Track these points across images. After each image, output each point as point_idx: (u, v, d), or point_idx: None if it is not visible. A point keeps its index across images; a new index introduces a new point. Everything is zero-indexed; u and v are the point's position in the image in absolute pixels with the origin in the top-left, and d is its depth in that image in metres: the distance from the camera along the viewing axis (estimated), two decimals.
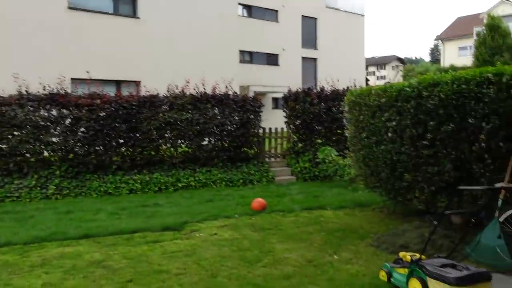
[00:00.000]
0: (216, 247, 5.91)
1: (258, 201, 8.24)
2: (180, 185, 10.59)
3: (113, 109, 10.40)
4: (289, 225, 7.03)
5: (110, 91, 11.55)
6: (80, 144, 10.25)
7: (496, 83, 5.23)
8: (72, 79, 13.40)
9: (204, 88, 11.66)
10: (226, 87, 11.99)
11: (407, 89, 6.28)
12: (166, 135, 10.94)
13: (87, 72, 12.97)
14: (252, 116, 11.85)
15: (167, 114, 10.80)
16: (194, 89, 11.55)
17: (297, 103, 12.20)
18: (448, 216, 6.59)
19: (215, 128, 11.28)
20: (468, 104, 5.49)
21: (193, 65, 15.64)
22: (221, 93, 11.65)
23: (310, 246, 5.86)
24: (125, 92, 11.81)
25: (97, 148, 10.41)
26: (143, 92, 11.67)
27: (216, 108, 11.42)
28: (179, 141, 11.18)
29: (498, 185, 4.29)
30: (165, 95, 11.15)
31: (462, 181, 5.81)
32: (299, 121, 12.32)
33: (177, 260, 5.38)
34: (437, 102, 5.80)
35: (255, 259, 5.38)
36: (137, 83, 15.53)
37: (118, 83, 15.65)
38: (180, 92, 11.24)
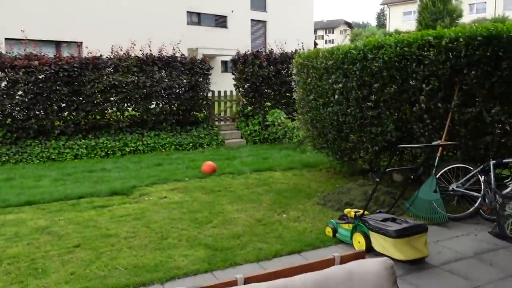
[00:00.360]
0: (166, 210, 5.90)
1: (208, 164, 8.25)
2: (127, 149, 10.36)
3: (52, 71, 9.85)
4: (239, 187, 7.11)
5: (49, 52, 10.91)
6: (19, 108, 9.70)
7: (436, 46, 5.43)
8: (5, 39, 12.51)
9: (150, 50, 11.28)
10: (174, 49, 11.66)
11: (353, 51, 6.40)
12: (112, 98, 10.56)
13: (22, 31, 12.13)
14: (201, 79, 11.66)
15: (111, 76, 10.39)
16: (140, 50, 11.14)
17: (246, 66, 12.11)
18: (390, 174, 6.93)
19: (162, 91, 11.01)
20: (410, 67, 5.69)
21: (138, 26, 15.04)
22: (168, 55, 11.32)
23: (259, 206, 5.98)
24: (66, 53, 11.19)
25: (37, 112, 9.89)
26: (85, 54, 11.11)
27: (163, 71, 11.12)
28: (126, 104, 10.84)
29: (435, 142, 4.54)
30: (109, 57, 10.68)
31: (404, 140, 6.09)
32: (248, 84, 12.27)
33: (126, 224, 5.33)
34: (381, 65, 5.96)
35: (205, 220, 5.43)
36: (78, 44, 14.76)
37: (57, 44, 14.81)
38: (125, 54, 10.81)
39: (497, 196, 4.97)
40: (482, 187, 5.19)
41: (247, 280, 1.93)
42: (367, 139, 6.49)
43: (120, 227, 5.22)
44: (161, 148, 10.73)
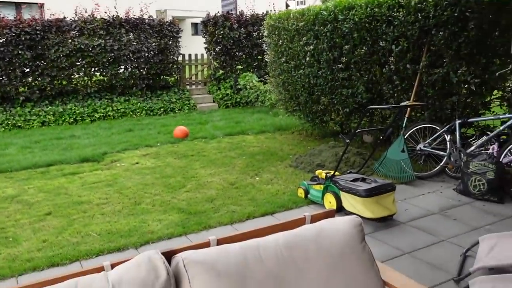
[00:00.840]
0: (138, 175, 5.87)
1: (180, 129, 8.18)
2: (97, 115, 10.15)
3: (13, 34, 9.41)
4: (211, 151, 7.12)
5: (9, 14, 10.37)
6: None
7: (405, 6, 5.43)
8: None
9: (117, 12, 10.87)
10: (141, 10, 11.27)
11: (324, 12, 6.34)
12: (78, 63, 10.22)
13: None
14: (170, 42, 11.38)
15: (77, 40, 10.02)
16: (105, 12, 10.72)
17: (216, 29, 11.86)
18: (360, 136, 7.06)
19: (131, 55, 10.72)
20: (380, 28, 5.69)
21: None
22: (135, 17, 10.95)
23: (232, 170, 6.02)
24: (27, 15, 10.66)
25: None
26: (47, 16, 10.62)
27: (131, 34, 10.78)
28: (93, 69, 10.52)
29: (403, 103, 4.62)
30: (73, 19, 10.24)
31: (374, 102, 6.18)
32: (219, 47, 12.06)
33: (98, 190, 5.29)
34: (351, 26, 5.94)
35: (178, 185, 5.44)
36: (40, 6, 14.06)
37: (17, 5, 14.06)
38: (89, 16, 10.38)
39: (462, 154, 5.15)
40: (448, 146, 5.35)
41: (219, 241, 1.96)
42: (338, 101, 6.54)
43: (92, 194, 5.18)
44: (131, 113, 10.55)
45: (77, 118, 9.92)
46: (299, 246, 1.90)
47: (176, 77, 12.02)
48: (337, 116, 6.82)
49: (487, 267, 2.99)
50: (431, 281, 3.10)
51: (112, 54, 10.41)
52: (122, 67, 10.77)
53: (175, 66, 11.71)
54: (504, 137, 5.27)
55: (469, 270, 3.08)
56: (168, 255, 1.83)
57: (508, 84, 5.80)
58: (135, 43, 10.73)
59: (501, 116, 5.18)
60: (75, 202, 4.92)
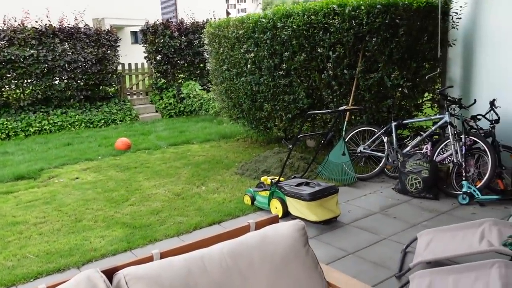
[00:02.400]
0: (79, 191, 5.64)
1: (122, 141, 7.96)
2: (32, 130, 9.65)
3: None
4: (155, 162, 6.98)
5: None
6: None
7: (340, 14, 5.63)
8: None
9: (50, 21, 10.42)
10: (76, 19, 10.88)
11: (263, 20, 6.43)
12: (8, 74, 9.67)
13: None
14: (109, 51, 11.06)
15: (6, 50, 9.48)
16: (36, 21, 10.24)
17: (156, 37, 11.67)
18: (304, 141, 7.21)
19: (66, 65, 10.29)
20: (317, 34, 5.86)
21: None
22: (70, 26, 10.55)
23: (177, 181, 5.93)
24: None
25: None
26: None
27: (66, 43, 10.37)
28: (26, 81, 10.00)
29: (342, 107, 4.77)
30: (1, 28, 9.70)
31: (315, 107, 6.33)
32: (160, 56, 11.88)
33: (35, 209, 5.02)
34: (290, 33, 6.07)
35: (121, 198, 5.27)
36: None
37: None
38: (19, 25, 9.88)
39: (399, 155, 5.39)
40: (386, 148, 5.58)
41: (163, 255, 1.92)
42: (281, 107, 6.64)
43: (28, 213, 4.90)
44: (70, 126, 10.13)
45: (9, 134, 9.38)
46: (243, 254, 1.90)
47: (116, 88, 11.69)
48: (280, 122, 6.92)
49: (425, 261, 3.15)
50: (374, 278, 3.21)
51: (46, 65, 9.95)
52: (57, 78, 10.32)
53: (114, 76, 11.37)
54: (436, 137, 5.58)
55: (409, 266, 3.22)
56: (110, 273, 1.76)
57: (437, 87, 6.16)
58: (70, 53, 10.33)
59: (432, 117, 5.49)
60: (10, 223, 4.63)
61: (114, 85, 11.56)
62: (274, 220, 2.32)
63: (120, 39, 11.52)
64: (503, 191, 4.71)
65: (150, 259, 1.91)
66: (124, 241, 4.06)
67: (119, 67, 11.62)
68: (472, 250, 3.04)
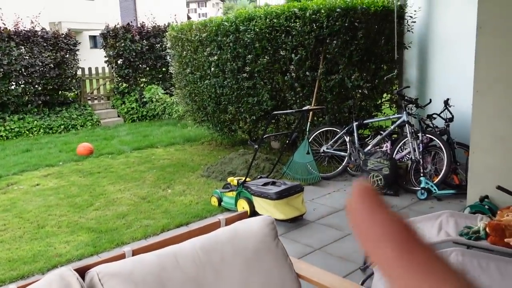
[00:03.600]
0: (40, 197, 5.49)
1: (84, 146, 7.80)
2: None
3: None
4: (119, 167, 6.88)
5: None
6: None
7: (301, 17, 5.78)
8: None
9: (4, 24, 10.08)
10: (32, 22, 10.57)
11: (226, 23, 6.49)
12: None
13: None
14: (68, 55, 10.79)
15: None
16: None
17: (117, 41, 11.50)
18: (269, 142, 7.30)
19: (23, 69, 9.97)
20: (280, 37, 5.97)
21: None
22: (26, 29, 10.23)
23: (143, 184, 5.88)
24: None
25: None
26: None
27: (22, 47, 10.04)
28: None
29: (305, 108, 4.89)
30: None
31: (278, 109, 6.44)
32: (121, 60, 11.70)
33: None
34: (253, 36, 6.16)
35: (85, 203, 5.18)
36: None
37: None
38: None
39: (360, 153, 5.57)
40: (348, 147, 5.75)
41: (135, 252, 1.94)
42: (245, 109, 6.72)
43: None
44: (27, 132, 9.80)
45: None
46: (215, 249, 1.94)
47: (76, 92, 11.41)
48: (244, 124, 6.99)
49: None
50: (340, 272, 3.31)
51: (1, 69, 9.61)
52: (14, 83, 9.98)
53: (74, 81, 11.10)
54: (395, 135, 5.81)
55: None
56: (82, 271, 1.77)
57: (395, 88, 6.41)
58: (27, 57, 10.01)
59: (391, 117, 5.71)
60: None
61: (74, 90, 11.28)
62: (243, 216, 2.38)
63: (79, 43, 11.27)
64: (458, 185, 4.96)
65: (122, 256, 1.92)
66: (90, 245, 4.00)
67: (79, 72, 11.36)
68: (431, 241, 3.19)
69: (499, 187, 3.33)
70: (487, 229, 3.09)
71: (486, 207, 3.64)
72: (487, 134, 3.75)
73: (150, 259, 1.82)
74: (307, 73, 5.91)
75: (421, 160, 5.00)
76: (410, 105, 5.48)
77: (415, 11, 6.04)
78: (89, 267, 1.79)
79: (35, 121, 10.05)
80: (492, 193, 3.67)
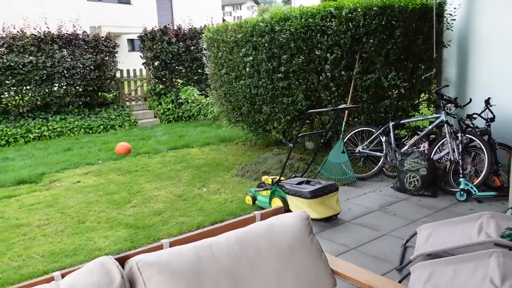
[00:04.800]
0: (80, 194, 5.68)
1: (122, 145, 8.01)
2: (31, 136, 9.68)
3: None
4: (156, 166, 7.03)
5: None
6: None
7: (337, 16, 5.73)
8: None
9: (48, 28, 10.50)
10: (74, 26, 10.97)
11: (261, 24, 6.52)
12: (8, 81, 9.72)
13: None
14: (107, 58, 11.13)
15: (5, 57, 9.54)
16: (35, 28, 10.31)
17: (154, 43, 11.77)
18: (303, 143, 7.28)
19: (65, 71, 10.35)
20: (315, 37, 5.95)
21: (30, 3, 13.83)
22: (68, 32, 10.62)
23: (178, 183, 5.99)
24: None
25: None
26: None
27: (65, 50, 10.43)
28: (25, 87, 10.04)
29: (341, 106, 4.84)
30: (0, 35, 9.76)
31: (313, 108, 6.41)
32: (158, 62, 11.97)
33: (38, 212, 5.06)
34: (288, 36, 6.16)
35: (123, 201, 5.32)
36: None
37: None
38: (18, 32, 9.95)
39: (397, 154, 5.47)
40: (384, 147, 5.66)
41: (172, 244, 1.98)
42: (279, 109, 6.72)
43: (32, 215, 4.94)
44: (69, 132, 10.17)
45: (9, 140, 9.41)
46: (250, 242, 1.96)
47: (114, 93, 11.75)
48: (279, 125, 7.00)
49: (425, 254, 3.21)
50: (376, 271, 3.26)
51: (45, 71, 10.01)
52: (56, 84, 10.38)
53: (113, 82, 11.44)
54: (433, 136, 5.67)
55: (409, 258, 3.28)
56: (122, 260, 1.82)
57: (433, 87, 6.25)
58: (69, 60, 10.39)
59: (429, 117, 5.57)
60: (13, 225, 4.67)
61: (112, 91, 11.62)
62: (279, 211, 2.39)
63: (118, 45, 11.60)
64: (500, 187, 4.79)
65: (160, 247, 1.97)
66: (128, 240, 4.11)
67: (118, 74, 11.69)
68: (470, 242, 3.10)
69: None
70: None
71: None
72: None
73: (187, 250, 1.86)
74: (343, 72, 5.86)
75: (460, 161, 4.86)
76: (449, 105, 5.34)
77: (454, 8, 5.88)
78: (128, 257, 1.85)
79: (76, 121, 10.41)
80: None
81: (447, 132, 5.05)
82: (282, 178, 4.73)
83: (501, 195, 4.61)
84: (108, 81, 11.24)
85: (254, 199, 4.93)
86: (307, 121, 6.81)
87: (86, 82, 10.70)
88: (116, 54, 11.46)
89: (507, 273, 2.55)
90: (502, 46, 5.39)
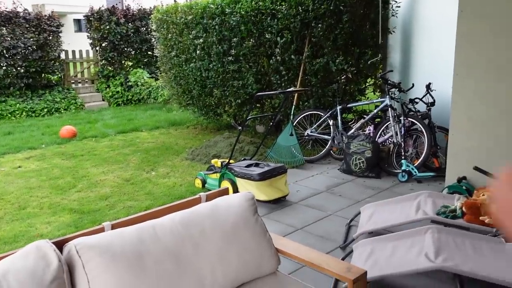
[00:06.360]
0: (22, 179, 5.44)
1: (67, 129, 7.72)
2: None
3: None
4: (103, 150, 6.84)
5: None
6: None
7: (287, 0, 5.75)
8: None
9: None
10: (14, 2, 10.34)
11: (212, 6, 6.44)
12: None
13: None
14: (51, 37, 10.61)
15: None
16: None
17: (102, 23, 11.33)
18: (253, 126, 7.31)
19: (5, 51, 9.78)
20: (265, 20, 5.95)
21: None
22: (8, 10, 10.01)
23: (126, 167, 5.86)
24: None
25: None
26: None
27: (4, 28, 9.84)
28: None
29: (290, 89, 4.89)
30: None
31: (263, 92, 6.44)
32: (106, 43, 11.55)
33: None
34: (238, 19, 6.12)
35: (68, 185, 5.15)
36: None
37: None
38: None
39: (344, 137, 5.62)
40: (332, 130, 5.79)
41: (114, 226, 1.95)
42: (230, 93, 6.70)
43: None
44: (10, 115, 9.66)
45: None
46: (195, 222, 1.96)
47: (59, 75, 11.25)
48: (230, 108, 6.99)
49: (367, 232, 3.34)
50: (321, 250, 3.36)
51: None
52: None
53: (57, 63, 10.94)
54: (378, 119, 5.86)
55: (352, 237, 3.41)
56: (60, 244, 1.77)
57: (379, 72, 6.44)
58: (9, 39, 9.82)
59: (374, 101, 5.75)
60: None
61: (57, 73, 11.12)
62: (224, 192, 2.40)
63: (62, 25, 11.07)
64: (438, 168, 5.05)
65: (101, 230, 1.94)
66: (72, 226, 4.00)
67: (62, 54, 11.18)
68: (409, 219, 3.26)
69: (476, 168, 3.40)
70: (463, 208, 3.16)
71: (464, 187, 3.72)
72: (465, 117, 3.81)
73: (129, 232, 1.83)
74: (292, 56, 5.91)
75: (402, 143, 5.06)
76: (393, 89, 5.53)
77: None
78: (67, 241, 1.80)
79: (18, 104, 9.90)
80: (469, 174, 3.75)
81: (390, 116, 5.24)
82: (231, 161, 4.75)
83: (439, 176, 4.86)
84: (52, 62, 10.74)
85: (204, 182, 4.92)
86: (257, 105, 6.84)
87: (28, 63, 10.17)
88: (60, 34, 10.95)
89: (440, 248, 2.71)
90: (442, 33, 5.63)
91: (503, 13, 3.47)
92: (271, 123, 5.01)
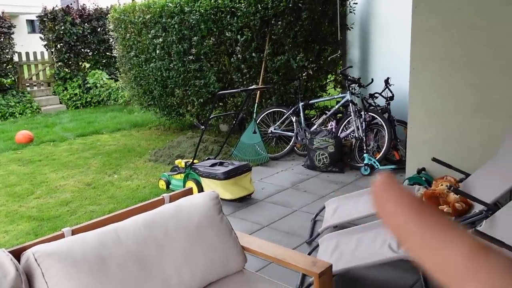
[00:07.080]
0: None
1: (23, 133, 7.43)
2: None
3: None
4: (62, 154, 6.63)
5: None
6: None
7: None
8: None
9: None
10: None
11: (170, 4, 6.35)
12: None
13: None
14: (2, 39, 10.18)
15: None
16: None
17: (56, 24, 10.96)
18: (217, 125, 7.28)
19: None
20: (225, 18, 5.93)
21: None
22: None
23: (87, 171, 5.71)
24: None
25: None
26: None
27: None
28: None
29: (251, 87, 4.90)
30: None
31: (225, 90, 6.41)
32: (61, 44, 11.18)
33: None
34: (198, 17, 6.07)
35: (26, 192, 4.96)
36: None
37: None
38: None
39: (307, 133, 5.68)
40: (295, 127, 5.84)
41: (74, 232, 1.89)
42: (192, 92, 6.64)
43: None
44: None
45: None
46: (158, 224, 1.93)
47: (13, 78, 10.80)
48: (192, 108, 6.92)
49: (332, 226, 3.39)
50: (287, 246, 3.37)
51: None
52: None
53: (10, 66, 10.50)
54: (340, 115, 5.96)
55: (318, 231, 3.45)
56: (17, 253, 1.70)
57: (339, 68, 6.56)
58: None
59: (335, 97, 5.84)
60: None
61: (10, 76, 10.67)
62: (188, 192, 2.37)
63: (14, 26, 10.64)
64: (399, 160, 5.19)
65: (61, 236, 1.87)
66: (32, 234, 3.85)
67: (15, 57, 10.74)
68: (372, 212, 3.33)
69: (434, 159, 3.52)
70: (423, 198, 3.26)
71: (423, 178, 3.84)
72: (422, 110, 3.93)
73: (91, 236, 1.78)
74: (253, 54, 5.92)
75: (364, 137, 5.17)
76: (353, 85, 5.63)
77: None
78: (25, 249, 1.73)
79: None
80: (428, 165, 3.87)
81: (352, 111, 5.34)
82: (195, 161, 4.70)
83: (400, 168, 4.99)
84: (5, 64, 10.29)
85: (168, 183, 4.85)
86: (220, 104, 6.81)
87: None
88: (12, 36, 10.51)
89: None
90: (398, 29, 5.78)
91: (455, 9, 3.60)
92: (234, 122, 5.00)
